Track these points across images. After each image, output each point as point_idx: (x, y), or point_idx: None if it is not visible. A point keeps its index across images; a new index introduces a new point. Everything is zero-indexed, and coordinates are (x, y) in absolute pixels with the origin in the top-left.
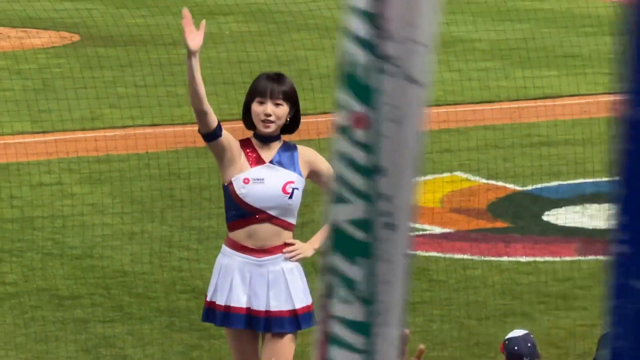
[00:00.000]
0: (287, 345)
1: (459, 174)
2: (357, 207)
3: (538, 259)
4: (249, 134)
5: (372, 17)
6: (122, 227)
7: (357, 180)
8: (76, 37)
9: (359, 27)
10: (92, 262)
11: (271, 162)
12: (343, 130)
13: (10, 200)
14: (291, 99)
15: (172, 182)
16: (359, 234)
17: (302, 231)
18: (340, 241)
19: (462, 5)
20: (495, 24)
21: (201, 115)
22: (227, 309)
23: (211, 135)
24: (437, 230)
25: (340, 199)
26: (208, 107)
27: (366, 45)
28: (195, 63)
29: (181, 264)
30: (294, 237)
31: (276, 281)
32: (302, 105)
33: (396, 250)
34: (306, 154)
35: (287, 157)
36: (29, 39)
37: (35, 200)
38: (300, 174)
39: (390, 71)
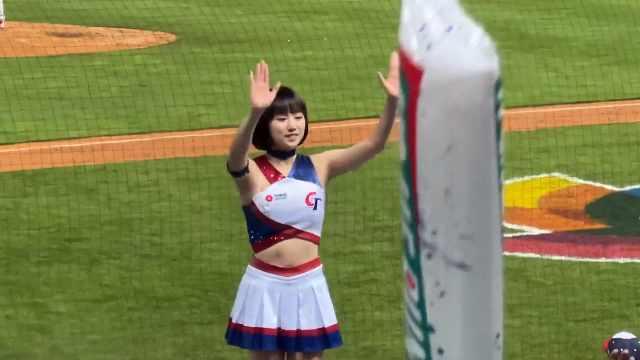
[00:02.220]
0: None
1: (556, 174)
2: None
3: (636, 260)
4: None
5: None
6: (220, 228)
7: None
8: (172, 37)
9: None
10: (189, 263)
11: (289, 176)
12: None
13: (107, 202)
14: (305, 109)
15: None
16: None
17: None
18: None
19: (558, 4)
20: (591, 23)
21: (238, 159)
22: (259, 331)
23: (242, 172)
24: (535, 231)
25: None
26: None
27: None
28: (256, 120)
29: None
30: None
31: (306, 299)
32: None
33: None
34: (319, 161)
35: (304, 169)
36: (125, 39)
37: (132, 201)
38: (319, 185)
39: (429, 253)
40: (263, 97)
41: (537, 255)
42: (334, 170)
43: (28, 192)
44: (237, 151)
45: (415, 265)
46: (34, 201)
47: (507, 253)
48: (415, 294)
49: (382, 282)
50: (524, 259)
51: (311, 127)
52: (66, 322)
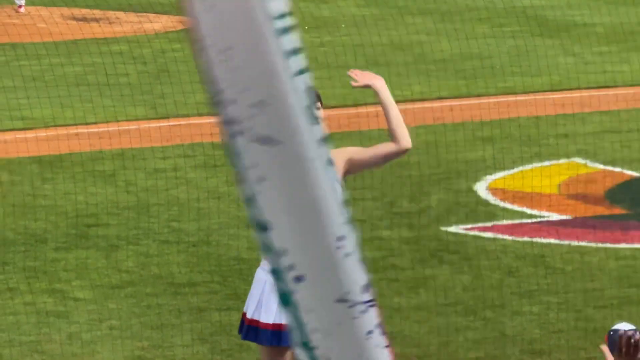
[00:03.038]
0: None
1: (576, 160)
2: (269, 260)
3: None
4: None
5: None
6: (239, 213)
7: (257, 237)
8: None
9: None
10: (208, 249)
11: None
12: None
13: (126, 187)
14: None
15: None
16: (279, 285)
17: None
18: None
19: None
20: (611, 8)
21: None
22: (277, 327)
23: None
24: (555, 216)
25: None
26: None
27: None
28: None
29: None
30: None
31: None
32: (418, 89)
33: (315, 300)
34: (338, 157)
35: None
36: (145, 24)
37: (151, 187)
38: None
39: (237, 134)
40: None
41: (557, 241)
42: (352, 167)
43: (47, 177)
44: None
45: (231, 151)
46: (52, 187)
47: (526, 239)
48: (242, 188)
49: (402, 267)
50: (543, 244)
51: (331, 112)
52: (85, 308)
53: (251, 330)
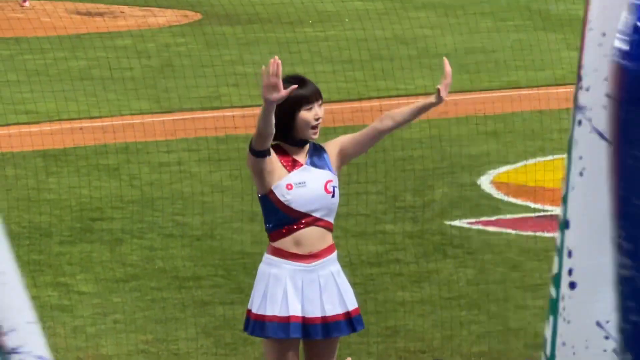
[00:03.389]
0: (334, 347)
1: None
2: (556, 261)
3: None
4: None
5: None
6: (243, 207)
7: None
8: (198, 16)
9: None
10: (212, 243)
11: (306, 164)
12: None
13: (130, 181)
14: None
15: None
16: (554, 289)
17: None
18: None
19: None
20: None
21: (264, 139)
22: (284, 320)
23: (265, 152)
24: (559, 211)
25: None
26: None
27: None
28: (272, 109)
29: None
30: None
31: (327, 285)
32: (421, 83)
33: (578, 314)
34: (331, 148)
35: (318, 156)
36: (149, 18)
37: (155, 181)
38: (333, 172)
39: (582, 122)
40: (275, 93)
41: None
42: (345, 157)
43: (51, 171)
44: (262, 134)
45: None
46: (57, 181)
47: (530, 233)
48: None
49: (405, 262)
50: (547, 238)
51: (335, 106)
52: (89, 302)
53: (257, 324)
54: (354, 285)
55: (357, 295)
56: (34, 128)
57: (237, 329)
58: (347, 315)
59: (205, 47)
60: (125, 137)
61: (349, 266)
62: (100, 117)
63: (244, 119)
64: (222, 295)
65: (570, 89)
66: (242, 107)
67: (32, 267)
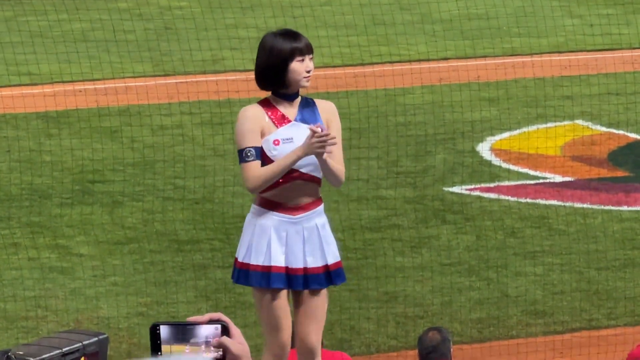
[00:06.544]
0: (322, 301)
1: (579, 122)
2: None
3: None
4: None
5: None
6: None
7: None
8: None
9: None
10: (212, 206)
11: (295, 119)
12: None
13: (130, 144)
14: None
15: None
16: None
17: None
18: None
19: None
20: None
21: (261, 189)
22: (267, 269)
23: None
24: (557, 178)
25: None
26: None
27: None
28: (296, 161)
29: None
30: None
31: (311, 237)
32: (422, 49)
33: None
34: (326, 109)
35: (309, 112)
36: None
37: (155, 144)
38: (324, 127)
39: None
40: (318, 149)
41: (559, 203)
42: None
43: (52, 133)
44: (265, 185)
45: None
46: (57, 143)
47: (529, 200)
48: None
49: (404, 227)
50: (545, 206)
51: (336, 71)
52: (88, 264)
53: (242, 273)
54: (353, 250)
55: (341, 248)
56: (35, 90)
57: (236, 292)
58: (326, 268)
59: (206, 10)
60: (125, 100)
61: (349, 230)
62: (101, 79)
63: (246, 83)
64: (220, 258)
65: (571, 56)
66: (244, 70)
67: (31, 229)
